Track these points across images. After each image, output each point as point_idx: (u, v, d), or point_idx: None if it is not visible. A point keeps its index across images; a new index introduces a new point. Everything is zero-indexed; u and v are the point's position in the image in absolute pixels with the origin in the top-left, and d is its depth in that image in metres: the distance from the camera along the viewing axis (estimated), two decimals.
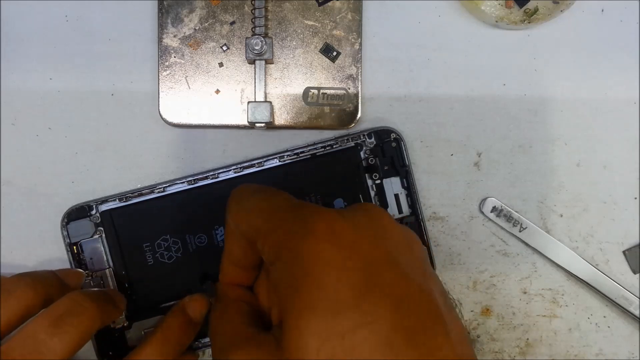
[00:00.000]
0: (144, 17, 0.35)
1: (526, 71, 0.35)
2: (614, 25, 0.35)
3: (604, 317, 0.36)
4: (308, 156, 0.34)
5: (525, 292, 0.36)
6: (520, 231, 0.35)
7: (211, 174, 0.34)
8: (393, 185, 0.34)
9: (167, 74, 0.34)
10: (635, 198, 0.36)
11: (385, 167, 0.34)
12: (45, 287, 0.27)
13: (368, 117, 0.35)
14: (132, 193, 0.34)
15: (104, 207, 0.34)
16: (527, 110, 0.35)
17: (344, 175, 0.34)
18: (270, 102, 0.34)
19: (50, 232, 0.35)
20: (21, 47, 0.35)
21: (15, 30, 0.35)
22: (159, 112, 0.34)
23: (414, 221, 0.34)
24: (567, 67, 0.35)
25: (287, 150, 0.34)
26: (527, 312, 0.36)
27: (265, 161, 0.34)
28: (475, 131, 0.35)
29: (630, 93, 0.35)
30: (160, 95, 0.34)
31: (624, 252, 0.36)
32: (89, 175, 0.35)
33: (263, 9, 0.34)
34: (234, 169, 0.34)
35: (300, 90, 0.35)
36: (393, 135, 0.34)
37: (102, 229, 0.33)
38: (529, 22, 0.34)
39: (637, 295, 0.35)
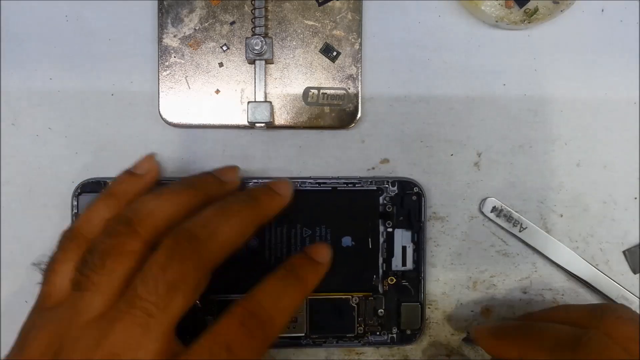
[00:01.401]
0: (144, 17, 0.35)
1: (526, 71, 0.35)
2: (614, 25, 0.35)
3: None
4: (329, 188, 0.34)
5: (525, 292, 0.36)
6: (520, 231, 0.35)
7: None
8: (403, 237, 0.34)
9: (167, 74, 0.34)
10: (635, 198, 0.36)
11: (400, 218, 0.34)
12: (204, 186, 0.31)
13: (368, 117, 0.35)
14: None
15: None
16: (527, 110, 0.35)
17: (359, 215, 0.34)
18: (270, 102, 0.34)
19: (50, 232, 0.35)
20: (21, 47, 0.35)
21: (15, 30, 0.35)
22: (159, 112, 0.34)
23: (415, 277, 0.34)
24: (567, 67, 0.35)
25: (310, 177, 0.34)
26: (527, 312, 0.36)
27: None
28: (475, 131, 0.35)
29: (630, 93, 0.35)
30: (160, 95, 0.34)
31: (624, 252, 0.36)
32: (89, 175, 0.35)
33: (263, 9, 0.34)
34: (253, 183, 0.34)
35: (300, 90, 0.35)
36: (415, 189, 0.34)
37: None
38: (529, 22, 0.34)
39: (637, 295, 0.35)
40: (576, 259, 0.35)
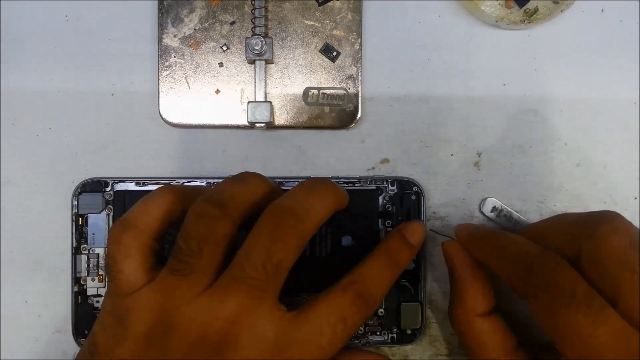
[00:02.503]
0: (144, 17, 0.35)
1: (526, 71, 0.35)
2: (614, 25, 0.35)
3: None
4: None
5: None
6: None
7: None
8: None
9: (167, 74, 0.34)
10: (635, 198, 0.36)
11: (400, 217, 0.34)
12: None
13: (368, 117, 0.35)
14: (150, 179, 0.34)
15: (120, 187, 0.34)
16: (527, 110, 0.35)
17: (358, 214, 0.34)
18: (270, 102, 0.34)
19: (50, 232, 0.35)
20: (21, 47, 0.35)
21: (15, 30, 0.35)
22: (159, 112, 0.34)
23: (415, 277, 0.34)
24: (567, 67, 0.35)
25: (310, 178, 0.34)
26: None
27: (287, 182, 0.34)
28: (475, 131, 0.35)
29: (630, 93, 0.35)
30: (160, 95, 0.34)
31: None
32: (89, 175, 0.35)
33: (263, 9, 0.34)
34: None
35: (300, 90, 0.35)
36: (415, 189, 0.34)
37: (112, 207, 0.34)
38: (529, 22, 0.34)
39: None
40: None
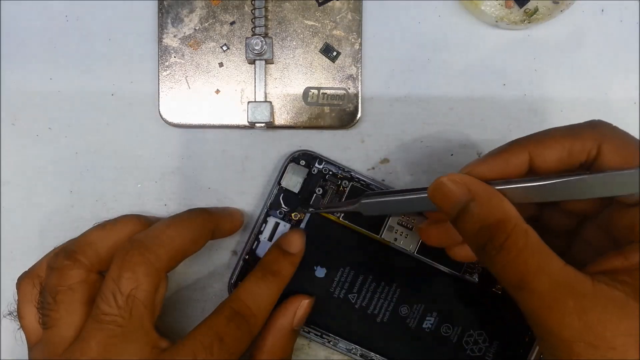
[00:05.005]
0: (144, 17, 0.35)
1: (526, 71, 0.35)
2: (614, 25, 0.35)
3: None
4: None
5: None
6: None
7: None
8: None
9: (167, 74, 0.34)
10: None
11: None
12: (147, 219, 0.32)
13: (368, 117, 0.35)
14: None
15: None
16: (527, 110, 0.35)
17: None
18: (270, 102, 0.34)
19: (50, 232, 0.35)
20: (21, 47, 0.35)
21: (15, 30, 0.35)
22: (159, 112, 0.34)
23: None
24: (567, 67, 0.35)
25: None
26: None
27: None
28: (475, 131, 0.35)
29: (630, 93, 0.35)
30: (160, 95, 0.34)
31: None
32: (89, 175, 0.35)
33: (263, 9, 0.34)
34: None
35: (300, 90, 0.35)
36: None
37: None
38: (529, 22, 0.34)
39: None
40: None
